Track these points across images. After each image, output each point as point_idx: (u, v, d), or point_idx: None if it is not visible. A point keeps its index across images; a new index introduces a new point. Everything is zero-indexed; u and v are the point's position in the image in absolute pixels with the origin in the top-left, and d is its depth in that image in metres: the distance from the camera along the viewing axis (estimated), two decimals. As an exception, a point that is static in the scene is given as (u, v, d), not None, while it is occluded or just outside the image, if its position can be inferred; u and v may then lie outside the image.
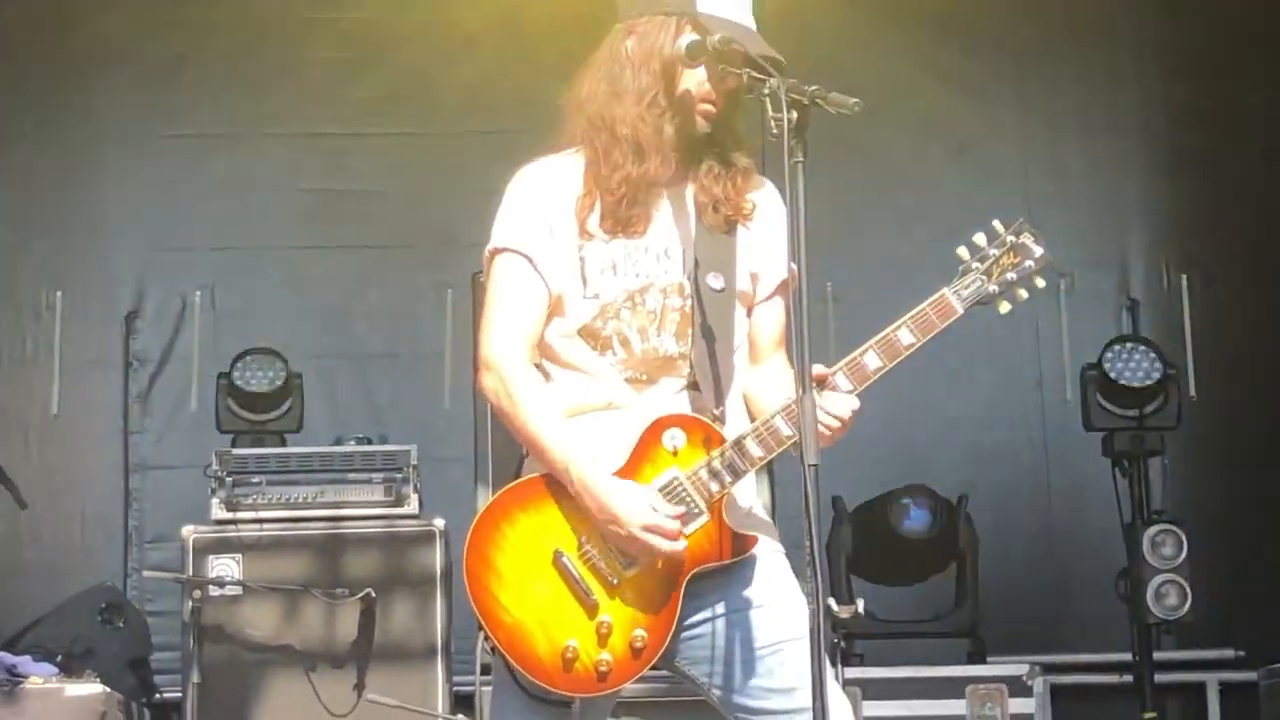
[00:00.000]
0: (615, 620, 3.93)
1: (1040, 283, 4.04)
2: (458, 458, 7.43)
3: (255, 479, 7.04)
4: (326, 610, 6.81)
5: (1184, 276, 9.04)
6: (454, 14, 9.18)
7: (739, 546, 3.98)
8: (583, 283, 4.05)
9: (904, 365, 4.05)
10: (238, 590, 6.78)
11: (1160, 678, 8.26)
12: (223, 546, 6.88)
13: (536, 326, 4.05)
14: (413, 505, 7.05)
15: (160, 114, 9.09)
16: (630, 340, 4.04)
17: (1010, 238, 4.04)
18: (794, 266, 3.81)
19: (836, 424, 3.89)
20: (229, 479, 7.00)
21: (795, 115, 3.79)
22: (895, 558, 8.00)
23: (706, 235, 4.10)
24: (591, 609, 3.93)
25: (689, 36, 4.04)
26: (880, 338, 3.97)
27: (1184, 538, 7.94)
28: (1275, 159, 8.97)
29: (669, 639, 3.95)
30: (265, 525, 6.97)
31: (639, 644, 3.93)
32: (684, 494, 3.93)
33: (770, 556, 4.05)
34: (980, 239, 4.03)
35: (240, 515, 6.98)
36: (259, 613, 6.82)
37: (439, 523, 6.95)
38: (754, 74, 3.91)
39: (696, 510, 3.93)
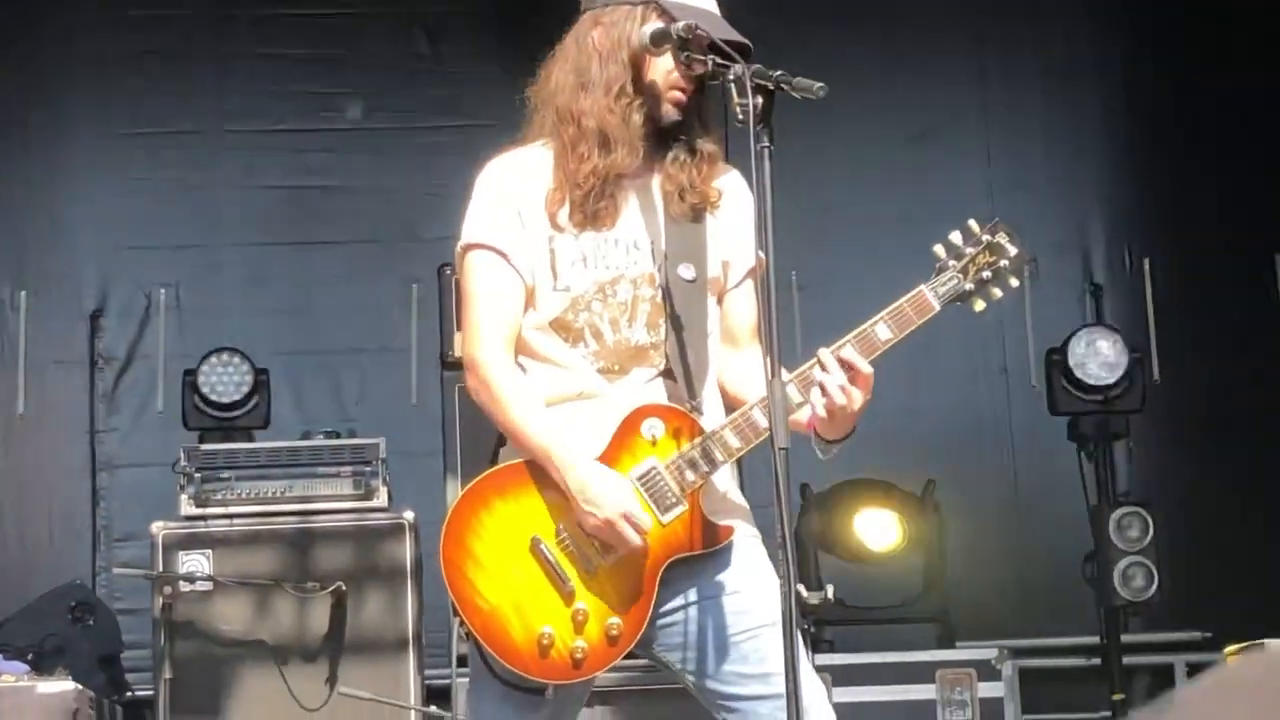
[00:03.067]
0: (591, 608, 3.94)
1: (1014, 281, 4.07)
2: (427, 451, 7.44)
3: (224, 474, 7.03)
4: (297, 604, 6.80)
5: (1146, 260, 9.09)
6: (417, 8, 9.19)
7: (716, 536, 4.00)
8: (553, 275, 4.05)
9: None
10: (208, 586, 6.77)
11: (1129, 660, 8.31)
12: (192, 542, 6.87)
13: (515, 321, 4.05)
14: (382, 498, 7.05)
15: (122, 112, 9.09)
16: (602, 332, 4.05)
17: (986, 236, 4.07)
18: (761, 255, 3.84)
19: (844, 399, 3.92)
20: (198, 475, 6.99)
21: (760, 101, 3.80)
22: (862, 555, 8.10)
23: (675, 225, 4.11)
24: (568, 596, 3.94)
25: (653, 24, 4.04)
26: (858, 332, 3.98)
27: (1149, 520, 7.99)
28: (1233, 142, 9.01)
29: (644, 626, 3.97)
30: (235, 520, 6.96)
31: (614, 631, 3.94)
32: (662, 483, 3.95)
33: (746, 542, 4.07)
34: (956, 237, 4.06)
35: (210, 511, 6.97)
36: (230, 608, 6.81)
37: (409, 515, 6.95)
38: (719, 60, 3.91)
39: (674, 499, 3.96)
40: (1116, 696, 8.03)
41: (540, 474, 3.97)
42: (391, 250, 8.97)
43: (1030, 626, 8.60)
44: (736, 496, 4.16)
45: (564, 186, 4.07)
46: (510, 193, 4.08)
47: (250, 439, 7.81)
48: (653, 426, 3.98)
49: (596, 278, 4.06)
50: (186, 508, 6.98)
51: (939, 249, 4.06)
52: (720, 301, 4.19)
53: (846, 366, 3.94)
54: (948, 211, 8.96)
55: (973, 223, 4.08)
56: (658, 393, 4.04)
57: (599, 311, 4.05)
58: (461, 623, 3.96)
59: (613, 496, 3.90)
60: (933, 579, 8.01)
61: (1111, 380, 8.06)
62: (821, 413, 3.94)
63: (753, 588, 4.01)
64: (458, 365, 7.34)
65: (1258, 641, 6.51)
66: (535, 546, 3.95)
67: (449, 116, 8.97)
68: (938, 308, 4.03)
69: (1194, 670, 8.52)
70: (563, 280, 4.06)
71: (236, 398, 7.92)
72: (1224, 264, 9.00)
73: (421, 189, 8.93)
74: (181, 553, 6.84)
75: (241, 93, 9.16)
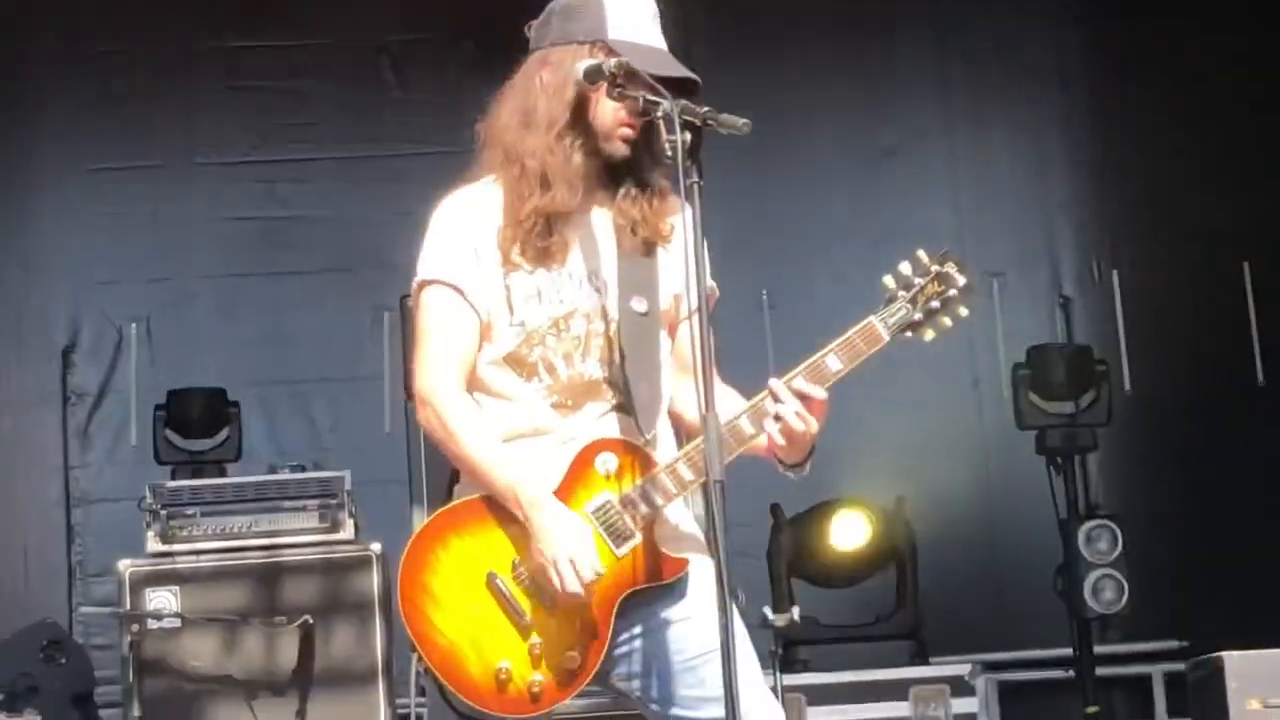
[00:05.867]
0: (548, 641, 3.95)
1: (963, 311, 4.08)
2: (401, 480, 7.46)
3: (190, 510, 7.04)
4: (266, 639, 6.81)
5: (1115, 272, 9.10)
6: (384, 38, 9.21)
7: (670, 568, 4.02)
8: (509, 310, 4.07)
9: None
10: (175, 622, 6.78)
11: (1106, 671, 8.33)
12: (159, 579, 6.87)
13: (469, 356, 4.06)
14: (348, 531, 7.06)
15: (90, 147, 9.11)
16: (556, 366, 4.06)
17: (935, 267, 4.08)
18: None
19: (803, 425, 3.96)
20: (163, 512, 7.00)
21: (689, 137, 3.84)
22: (834, 563, 8.06)
23: (627, 259, 4.12)
24: (525, 630, 3.95)
25: (586, 61, 4.06)
26: (808, 364, 4.01)
27: (1118, 532, 8.00)
28: (1200, 152, 9.03)
29: (602, 659, 3.98)
30: (201, 556, 6.96)
31: (572, 665, 3.95)
32: (616, 517, 3.97)
33: (699, 571, 4.07)
34: (905, 268, 4.07)
35: (176, 547, 6.98)
36: (198, 644, 6.82)
37: (375, 547, 6.96)
38: (649, 97, 3.95)
39: (628, 532, 3.98)
40: (1091, 709, 8.04)
41: (497, 509, 3.98)
42: (362, 279, 8.97)
43: (1005, 641, 8.61)
44: (689, 526, 4.16)
45: (513, 224, 4.09)
46: (465, 229, 4.09)
47: (223, 472, 7.83)
48: (606, 461, 4.00)
49: (550, 313, 4.07)
50: (153, 544, 6.99)
51: (888, 279, 4.07)
52: (672, 333, 4.21)
53: (800, 396, 3.97)
54: (916, 227, 9.11)
55: (921, 253, 4.09)
56: (611, 427, 4.06)
57: (553, 346, 4.06)
58: (420, 658, 3.98)
59: (560, 540, 3.91)
60: (904, 596, 8.02)
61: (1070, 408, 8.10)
62: (780, 440, 3.98)
63: (707, 613, 3.99)
64: (422, 395, 7.38)
65: (1216, 655, 6.58)
66: (491, 582, 3.96)
67: (416, 144, 8.99)
68: (887, 338, 4.04)
69: (1171, 680, 8.53)
70: (518, 315, 4.07)
71: (212, 444, 7.91)
72: (1193, 275, 9.01)
73: (390, 217, 8.93)
74: (149, 590, 6.84)
75: (209, 125, 9.19)
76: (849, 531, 8.06)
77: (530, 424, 4.06)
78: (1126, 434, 8.71)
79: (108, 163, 9.11)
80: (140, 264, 9.09)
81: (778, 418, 3.97)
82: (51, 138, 9.14)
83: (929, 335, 4.08)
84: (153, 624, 6.78)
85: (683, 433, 4.18)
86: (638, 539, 3.98)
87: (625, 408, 4.07)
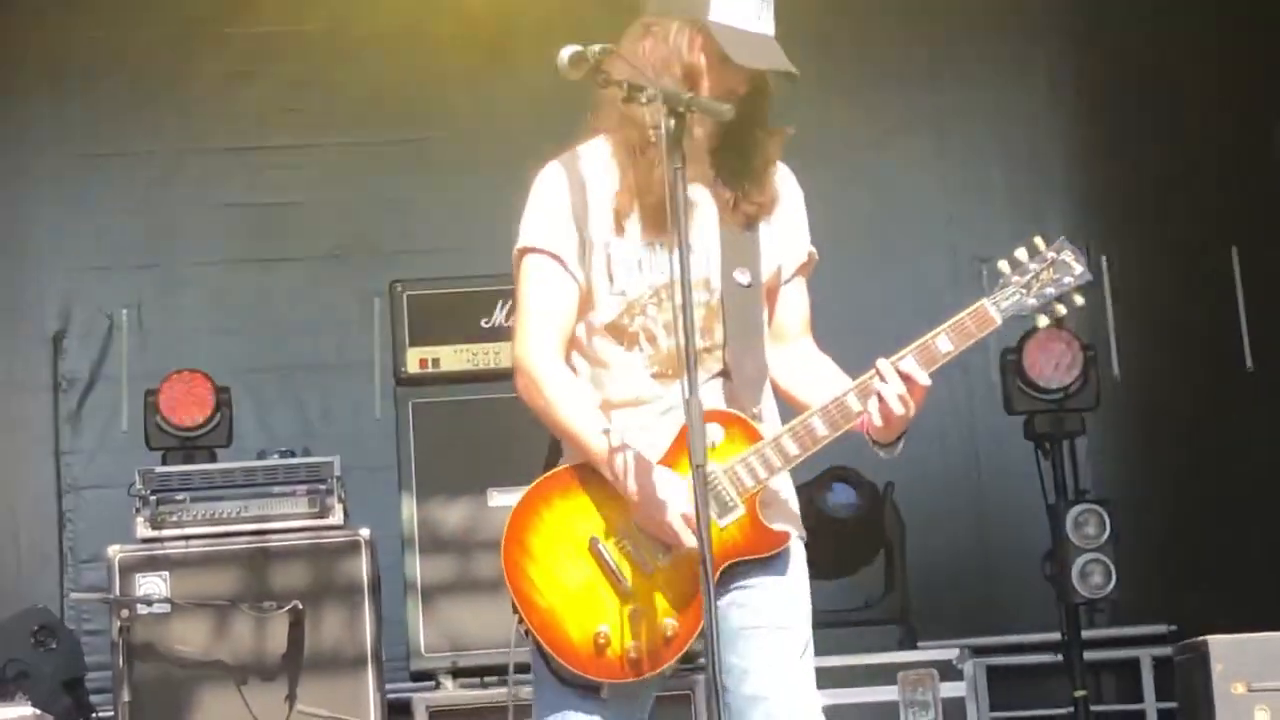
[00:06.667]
0: (647, 608, 4.01)
1: (1079, 300, 4.13)
2: (390, 465, 7.47)
3: (179, 496, 7.07)
4: (255, 624, 6.84)
5: (1104, 257, 9.10)
6: (373, 25, 9.20)
7: (771, 541, 4.07)
8: (609, 279, 4.11)
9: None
10: (165, 608, 6.80)
11: (1094, 655, 8.34)
12: (149, 565, 6.90)
13: (568, 325, 4.12)
14: (337, 516, 7.09)
15: (80, 133, 9.11)
16: (656, 336, 4.11)
17: (1051, 254, 4.13)
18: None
19: (903, 409, 4.01)
20: (153, 497, 7.02)
21: (674, 123, 3.87)
22: (824, 543, 8.05)
23: (730, 231, 4.16)
24: (625, 596, 4.01)
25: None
26: (919, 344, 4.05)
27: (1106, 517, 8.00)
28: (1189, 137, 9.04)
29: (699, 629, 3.98)
30: (191, 542, 7.00)
31: (669, 633, 4.00)
32: (720, 487, 4.00)
33: (798, 547, 4.15)
34: (1022, 254, 4.12)
35: (165, 533, 7.00)
36: (188, 629, 6.85)
37: (364, 533, 6.99)
38: (632, 84, 3.95)
39: (731, 504, 4.02)
40: (1078, 693, 8.05)
41: (594, 476, 4.05)
42: (351, 265, 8.99)
43: (993, 625, 8.63)
44: (793, 503, 4.22)
45: (632, 190, 4.11)
46: (567, 196, 4.13)
47: (213, 458, 7.83)
48: (713, 431, 4.01)
49: (652, 282, 4.10)
50: (143, 530, 7.02)
51: (1003, 264, 4.12)
52: (770, 303, 4.26)
53: (905, 378, 4.01)
54: (907, 214, 9.09)
55: (1038, 239, 4.14)
56: (714, 396, 4.09)
57: (654, 316, 4.11)
58: (520, 620, 4.03)
59: (672, 498, 3.95)
60: (893, 580, 8.04)
61: (1063, 386, 8.08)
62: (878, 421, 4.02)
63: (785, 589, 4.10)
64: (411, 381, 7.41)
65: (1202, 639, 6.60)
66: (594, 546, 4.02)
67: (408, 130, 8.99)
68: (999, 321, 4.09)
69: (1159, 664, 8.56)
70: (618, 284, 4.11)
71: (200, 423, 7.91)
72: (1183, 259, 9.02)
73: (380, 203, 8.98)
74: (138, 575, 6.88)
75: (201, 111, 9.17)
76: (839, 496, 8.03)
77: (631, 393, 4.12)
78: (1115, 419, 8.72)
79: (99, 149, 9.10)
80: (131, 250, 9.09)
81: (880, 398, 4.01)
82: (43, 123, 9.14)
83: (1042, 322, 4.15)
84: (142, 609, 6.80)
85: (777, 397, 4.24)
86: (741, 511, 4.03)
87: (726, 376, 4.11)
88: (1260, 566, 8.44)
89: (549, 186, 4.15)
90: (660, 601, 4.01)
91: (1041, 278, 4.10)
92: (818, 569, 8.06)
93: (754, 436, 4.05)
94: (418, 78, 9.01)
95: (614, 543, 4.02)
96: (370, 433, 8.35)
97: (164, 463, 7.64)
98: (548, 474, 4.11)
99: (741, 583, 4.06)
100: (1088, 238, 9.20)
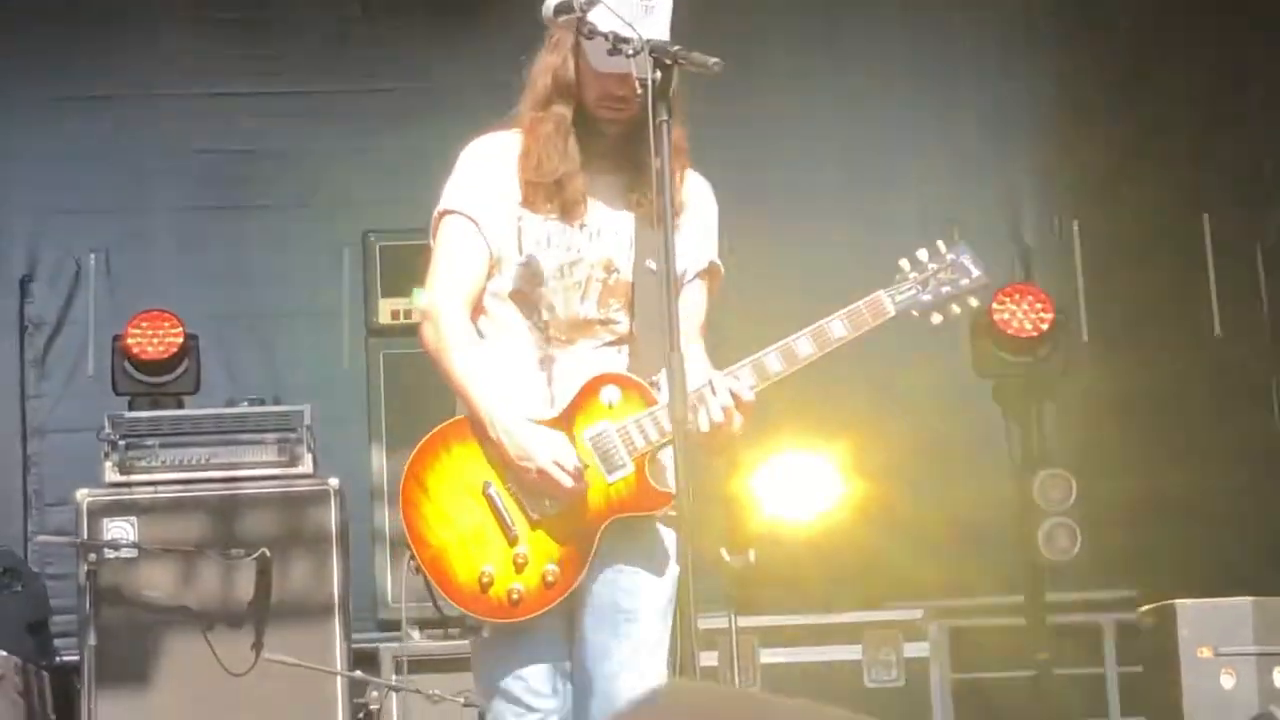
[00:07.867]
0: (532, 552, 4.21)
1: (974, 301, 4.42)
2: (358, 416, 7.46)
3: (148, 441, 7.06)
4: (223, 570, 6.85)
5: (1075, 223, 9.13)
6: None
7: (655, 500, 4.24)
8: (519, 250, 4.32)
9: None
10: (133, 553, 6.79)
11: (1058, 619, 8.36)
12: (117, 509, 6.89)
13: (477, 284, 4.34)
14: (307, 465, 7.09)
15: (50, 77, 9.03)
16: (555, 305, 4.31)
17: (950, 257, 4.38)
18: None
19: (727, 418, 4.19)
20: (122, 442, 7.00)
21: (659, 75, 3.97)
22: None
23: (645, 223, 4.32)
24: (511, 539, 4.22)
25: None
26: (811, 329, 4.28)
27: (1073, 481, 8.03)
28: (1161, 104, 9.05)
29: (579, 578, 4.21)
30: (160, 487, 6.99)
31: (550, 578, 4.22)
32: (611, 445, 4.24)
33: (673, 539, 4.28)
34: (922, 254, 4.36)
35: (134, 478, 6.99)
36: (155, 574, 6.85)
37: (333, 482, 6.99)
38: (619, 35, 4.00)
39: (621, 461, 4.23)
40: (1041, 656, 8.08)
41: (483, 429, 4.24)
42: (321, 214, 8.95)
43: (957, 587, 8.63)
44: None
45: (530, 178, 4.32)
46: (488, 169, 4.36)
47: (180, 404, 7.80)
48: (610, 393, 4.26)
49: (558, 259, 4.32)
50: (111, 475, 7.00)
51: (903, 262, 4.36)
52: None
53: (733, 394, 4.21)
54: (881, 178, 9.08)
55: (940, 243, 4.36)
56: (608, 361, 4.32)
57: (555, 288, 4.32)
58: (411, 556, 4.23)
59: (540, 450, 4.16)
60: (859, 541, 8.04)
61: (1035, 334, 8.08)
62: (703, 427, 4.20)
63: (656, 575, 4.30)
64: (383, 331, 7.40)
65: (1169, 602, 6.63)
66: (487, 490, 4.23)
67: (379, 80, 8.96)
68: (892, 313, 4.33)
69: (1122, 629, 8.58)
70: (525, 255, 4.32)
71: (162, 357, 7.85)
72: (1153, 225, 9.03)
73: (351, 153, 8.92)
74: (106, 520, 6.87)
75: (172, 56, 9.11)
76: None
77: (528, 355, 4.32)
78: (1084, 384, 8.72)
79: (69, 92, 9.03)
80: (100, 195, 9.04)
81: (707, 408, 4.19)
82: (12, 67, 9.06)
83: (935, 319, 4.38)
84: (110, 554, 6.79)
85: None
86: (629, 469, 4.23)
87: (622, 346, 4.34)
88: (1225, 533, 8.47)
89: (473, 157, 4.40)
90: (545, 547, 4.22)
91: (939, 277, 4.36)
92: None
93: (650, 402, 4.25)
94: (396, 31, 8.97)
95: (506, 489, 4.22)
96: (338, 382, 8.33)
97: (131, 409, 7.60)
98: (453, 420, 4.31)
99: (621, 566, 4.25)
100: (1060, 202, 9.26)
